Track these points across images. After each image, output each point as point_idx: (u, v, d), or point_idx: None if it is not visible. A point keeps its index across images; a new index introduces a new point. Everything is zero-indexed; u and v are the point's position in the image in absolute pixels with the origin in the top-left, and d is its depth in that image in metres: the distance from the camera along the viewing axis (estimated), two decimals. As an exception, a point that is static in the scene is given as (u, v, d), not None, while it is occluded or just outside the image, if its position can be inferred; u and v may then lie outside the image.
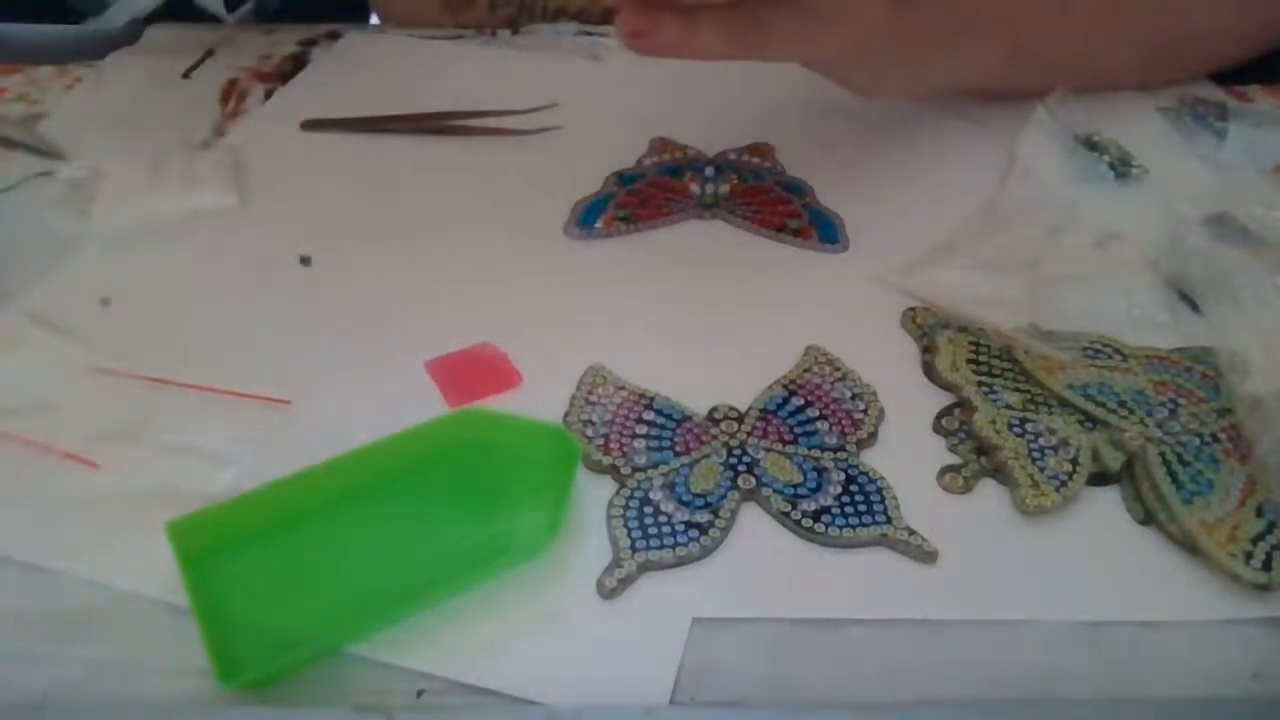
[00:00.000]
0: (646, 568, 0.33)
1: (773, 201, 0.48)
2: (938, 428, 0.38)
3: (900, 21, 0.43)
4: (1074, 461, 0.36)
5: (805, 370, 0.39)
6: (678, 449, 0.36)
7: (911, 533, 0.34)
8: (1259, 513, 0.34)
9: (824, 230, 0.46)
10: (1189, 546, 0.34)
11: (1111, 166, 0.50)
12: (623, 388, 0.38)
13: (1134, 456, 0.36)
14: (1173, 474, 0.35)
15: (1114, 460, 0.36)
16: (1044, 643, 0.31)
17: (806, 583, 0.33)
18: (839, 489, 0.35)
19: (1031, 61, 0.50)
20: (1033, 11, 0.49)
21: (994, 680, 0.31)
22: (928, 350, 0.40)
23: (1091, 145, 0.51)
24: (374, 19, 0.71)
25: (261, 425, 0.37)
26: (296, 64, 0.59)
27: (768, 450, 0.36)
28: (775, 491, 0.35)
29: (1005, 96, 0.52)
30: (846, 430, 0.37)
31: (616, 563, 0.33)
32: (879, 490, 0.35)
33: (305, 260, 0.45)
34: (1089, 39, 0.51)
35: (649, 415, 0.37)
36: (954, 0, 0.46)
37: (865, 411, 0.38)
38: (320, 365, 0.40)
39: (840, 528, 0.34)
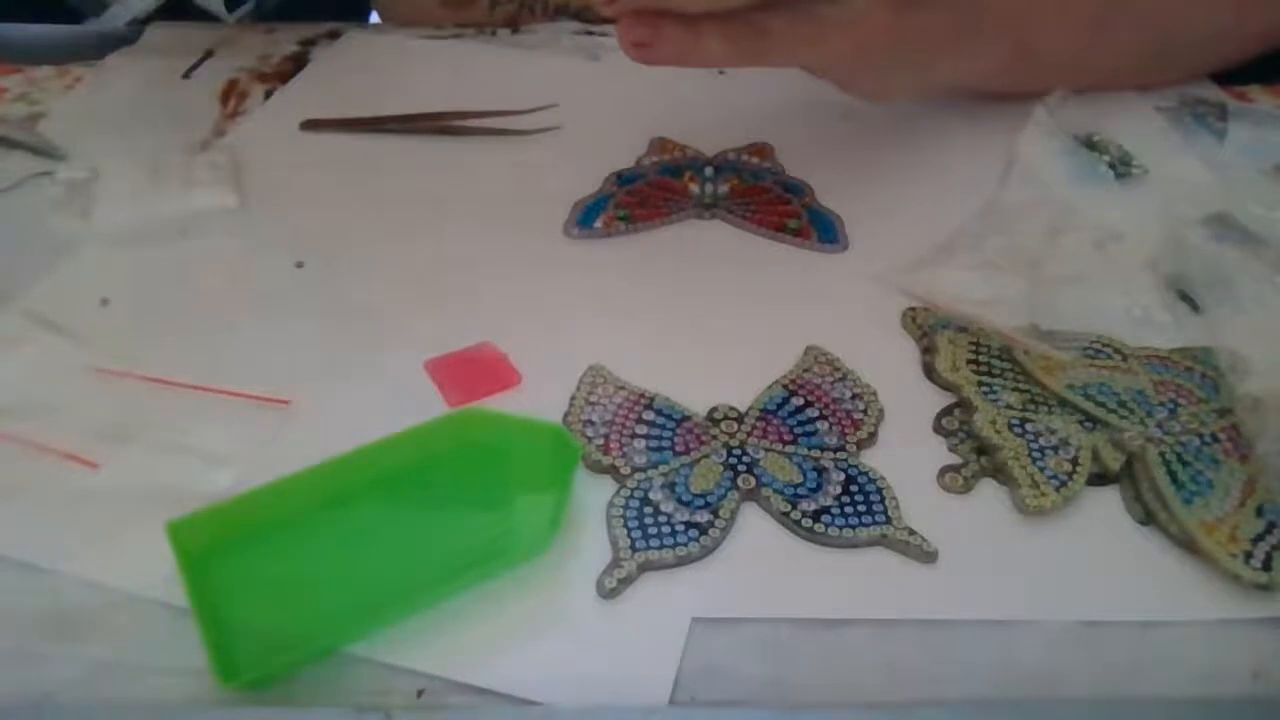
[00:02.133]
0: (646, 568, 0.33)
1: (772, 201, 0.48)
2: (938, 428, 0.38)
3: (903, 25, 0.43)
4: (1074, 461, 0.36)
5: (805, 370, 0.39)
6: (678, 449, 0.36)
7: (911, 533, 0.34)
8: (1259, 513, 0.34)
9: (823, 230, 0.46)
10: (1189, 546, 0.33)
11: (1111, 166, 0.50)
12: (623, 388, 0.38)
13: (1134, 456, 0.36)
14: (1173, 474, 0.35)
15: (1114, 460, 0.36)
16: (1044, 643, 0.31)
17: (806, 583, 0.33)
18: (839, 489, 0.35)
19: (1034, 62, 0.50)
20: (1035, 12, 0.49)
21: (994, 680, 0.31)
22: (928, 350, 0.40)
23: (1091, 145, 0.51)
24: (374, 18, 0.71)
25: (261, 425, 0.37)
26: (296, 64, 0.59)
27: (768, 450, 0.36)
28: (775, 491, 0.35)
29: (1007, 97, 0.52)
30: (846, 430, 0.37)
31: (616, 563, 0.33)
32: (879, 490, 0.35)
33: (299, 264, 0.45)
34: (1091, 39, 0.51)
35: (649, 415, 0.37)
36: (956, 2, 0.46)
37: (865, 411, 0.38)
38: (320, 365, 0.40)
39: (840, 528, 0.34)
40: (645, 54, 0.39)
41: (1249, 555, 0.33)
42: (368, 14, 0.73)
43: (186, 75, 0.58)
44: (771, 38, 0.40)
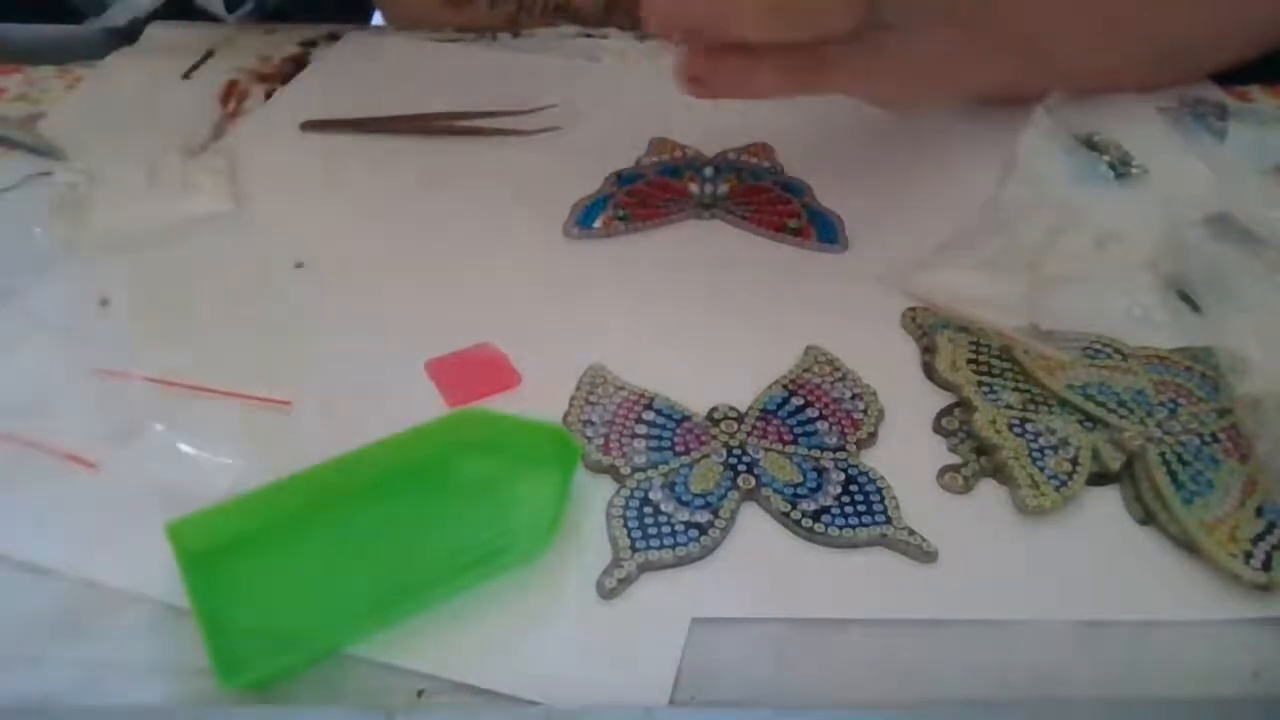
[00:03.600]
0: (646, 568, 0.33)
1: (772, 201, 0.48)
2: (938, 428, 0.38)
3: (947, 43, 0.43)
4: (1074, 461, 0.36)
5: (805, 370, 0.39)
6: (677, 449, 0.36)
7: (911, 533, 0.34)
8: (1259, 513, 0.34)
9: (823, 230, 0.46)
10: (1189, 546, 0.33)
11: (1111, 166, 0.50)
12: (622, 388, 0.38)
13: (1134, 456, 0.36)
14: (1173, 474, 0.35)
15: (1114, 460, 0.36)
16: (1044, 643, 0.31)
17: (806, 583, 0.33)
18: (839, 489, 0.35)
19: (1047, 70, 0.50)
20: (1046, 17, 0.49)
21: (994, 680, 0.31)
22: (928, 350, 0.40)
23: (1091, 145, 0.50)
24: (376, 19, 0.71)
25: (261, 425, 0.37)
26: (297, 64, 0.59)
27: (767, 450, 0.36)
28: (775, 491, 0.35)
29: (1015, 102, 0.52)
30: (846, 430, 0.37)
31: (616, 563, 0.33)
32: (879, 490, 0.35)
33: (299, 265, 0.45)
34: (1099, 42, 0.51)
35: (649, 415, 0.37)
36: (976, 15, 0.46)
37: (865, 411, 0.38)
38: (320, 365, 0.40)
39: (840, 528, 0.34)
40: (701, 89, 0.39)
41: (1249, 555, 0.33)
42: (368, 14, 0.73)
43: (187, 75, 0.58)
44: (830, 69, 0.40)
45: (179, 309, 0.42)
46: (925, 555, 0.33)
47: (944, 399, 0.39)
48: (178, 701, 0.30)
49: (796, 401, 0.38)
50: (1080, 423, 0.37)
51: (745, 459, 0.36)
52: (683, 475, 0.35)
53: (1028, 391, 0.38)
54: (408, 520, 0.34)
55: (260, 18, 0.64)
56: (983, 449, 0.36)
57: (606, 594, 0.32)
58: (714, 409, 0.38)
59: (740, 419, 0.37)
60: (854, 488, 0.35)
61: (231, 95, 0.56)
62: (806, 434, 0.37)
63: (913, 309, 0.42)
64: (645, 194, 0.48)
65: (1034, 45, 0.49)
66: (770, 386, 0.39)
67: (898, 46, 0.41)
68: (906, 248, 0.44)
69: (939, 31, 0.42)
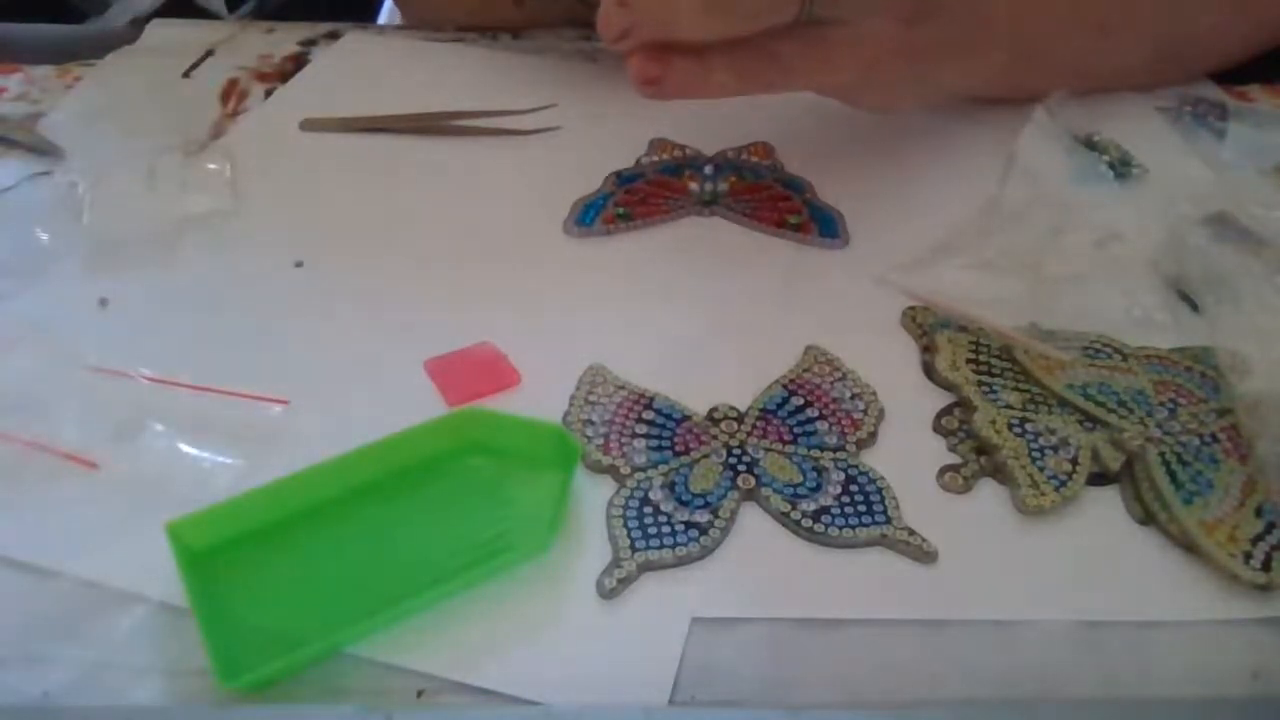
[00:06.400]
0: (646, 568, 0.33)
1: (772, 198, 0.48)
2: (937, 427, 0.38)
3: (909, 40, 0.43)
4: (1074, 461, 0.36)
5: (805, 370, 0.39)
6: (677, 449, 0.36)
7: (911, 533, 0.34)
8: (1259, 513, 0.34)
9: (824, 225, 0.46)
10: (1188, 546, 0.33)
11: (1111, 166, 0.50)
12: (622, 387, 0.38)
13: (1134, 456, 0.36)
14: (1172, 474, 0.35)
15: (1114, 460, 0.36)
16: (1043, 643, 0.31)
17: (806, 583, 0.33)
18: (839, 489, 0.35)
19: (1038, 68, 0.50)
20: (1038, 20, 0.49)
21: (993, 680, 0.31)
22: (928, 350, 0.40)
23: (1091, 145, 0.51)
24: (381, 19, 0.71)
25: (261, 425, 0.37)
26: (297, 64, 0.59)
27: (767, 450, 0.36)
28: (775, 491, 0.35)
29: (1010, 101, 0.52)
30: (846, 430, 0.37)
31: (616, 563, 0.33)
32: (879, 490, 0.35)
33: (299, 264, 0.45)
34: (1094, 44, 0.51)
35: (649, 415, 0.37)
36: (963, 11, 0.45)
37: (865, 411, 0.38)
38: (319, 365, 0.40)
39: (840, 528, 0.34)
40: (655, 90, 0.39)
41: (1248, 555, 0.33)
42: (368, 14, 0.73)
43: (187, 74, 0.58)
44: (782, 65, 0.40)
45: (179, 309, 0.42)
46: (925, 555, 0.33)
47: (944, 399, 0.39)
48: (177, 702, 0.30)
49: (796, 401, 0.38)
50: (1080, 423, 0.37)
51: (745, 459, 0.36)
52: (683, 475, 0.35)
53: (1028, 391, 0.38)
54: (408, 520, 0.34)
55: (260, 17, 0.64)
56: (983, 449, 0.36)
57: (606, 594, 0.32)
58: (714, 409, 0.38)
59: (740, 419, 0.37)
60: (854, 488, 0.35)
61: (231, 94, 0.56)
62: (806, 434, 0.37)
63: (913, 308, 0.42)
64: (645, 192, 0.48)
65: (1028, 44, 0.49)
66: (770, 386, 0.39)
67: (844, 41, 0.41)
68: (907, 246, 0.44)
69: (886, 25, 0.42)
